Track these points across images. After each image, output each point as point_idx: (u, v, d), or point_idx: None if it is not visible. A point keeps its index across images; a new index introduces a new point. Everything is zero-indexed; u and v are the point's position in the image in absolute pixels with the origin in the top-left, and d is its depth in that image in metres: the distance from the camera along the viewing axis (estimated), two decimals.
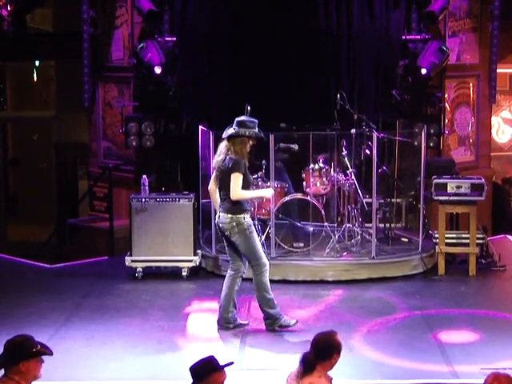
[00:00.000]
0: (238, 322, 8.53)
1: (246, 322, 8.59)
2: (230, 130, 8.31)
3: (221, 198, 8.39)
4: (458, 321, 8.73)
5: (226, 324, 8.48)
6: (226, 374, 4.75)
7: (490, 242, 11.12)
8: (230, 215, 8.26)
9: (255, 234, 8.44)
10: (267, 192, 9.05)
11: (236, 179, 8.18)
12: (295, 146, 10.58)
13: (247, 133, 8.27)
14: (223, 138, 8.38)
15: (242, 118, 8.47)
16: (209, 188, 8.62)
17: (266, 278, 8.39)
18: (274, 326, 8.41)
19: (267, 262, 8.43)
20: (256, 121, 8.44)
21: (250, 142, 8.36)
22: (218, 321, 8.53)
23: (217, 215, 8.46)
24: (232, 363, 4.88)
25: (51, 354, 4.78)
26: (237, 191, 8.18)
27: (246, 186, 8.29)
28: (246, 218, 8.29)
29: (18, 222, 16.17)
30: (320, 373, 5.25)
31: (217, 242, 10.62)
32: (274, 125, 10.97)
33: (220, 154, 8.36)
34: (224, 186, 8.32)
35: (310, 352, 5.32)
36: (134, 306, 9.36)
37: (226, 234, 8.36)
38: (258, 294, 8.43)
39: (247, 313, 9.09)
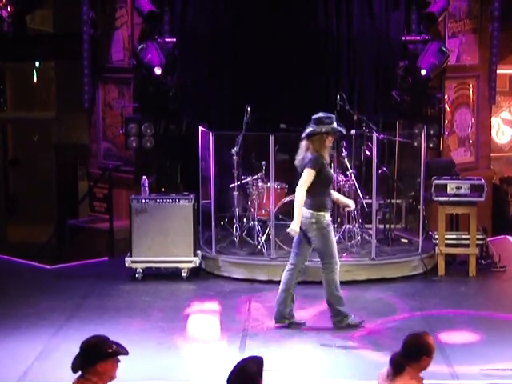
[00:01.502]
0: (295, 321, 8.54)
1: (303, 322, 8.59)
2: (308, 129, 8.36)
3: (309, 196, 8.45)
4: (458, 321, 8.73)
5: (282, 319, 8.52)
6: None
7: (490, 243, 11.12)
8: (310, 211, 8.32)
9: (332, 233, 8.47)
10: (294, 226, 8.37)
11: (306, 174, 8.25)
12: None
13: (323, 129, 8.31)
14: (302, 138, 8.44)
15: (320, 114, 8.49)
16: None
17: (337, 276, 8.47)
18: (342, 323, 8.47)
19: (338, 262, 8.50)
20: (333, 116, 8.50)
21: (330, 138, 8.40)
22: (274, 316, 8.55)
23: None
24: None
25: (127, 353, 4.73)
26: (302, 189, 8.24)
27: (326, 182, 8.35)
28: (326, 216, 8.33)
29: (18, 222, 16.17)
30: (411, 374, 5.07)
31: (217, 242, 10.64)
32: (273, 126, 10.99)
33: (300, 153, 8.46)
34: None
35: (399, 353, 5.18)
36: (134, 306, 9.36)
37: (304, 228, 8.43)
38: (328, 293, 8.47)
39: (247, 313, 9.11)
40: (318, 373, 7.42)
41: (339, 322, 8.49)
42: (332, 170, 8.65)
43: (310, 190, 8.31)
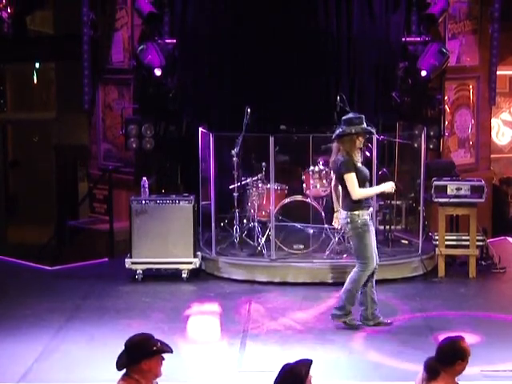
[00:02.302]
0: (380, 320, 8.57)
1: (390, 322, 8.61)
2: (338, 130, 8.42)
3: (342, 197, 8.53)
4: (458, 323, 8.73)
5: (366, 321, 8.55)
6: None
7: (490, 244, 11.11)
8: (345, 212, 8.38)
9: (369, 234, 8.42)
10: (387, 186, 8.67)
11: (350, 180, 8.28)
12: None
13: (353, 130, 8.33)
14: (333, 139, 8.51)
15: (349, 115, 8.57)
16: (332, 185, 8.84)
17: (365, 277, 8.44)
18: (340, 319, 8.50)
19: (374, 264, 8.46)
20: (362, 116, 8.51)
21: (360, 138, 8.42)
22: (359, 319, 8.58)
23: None
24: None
25: (171, 351, 4.80)
26: (356, 192, 8.27)
27: (362, 182, 8.36)
28: (362, 216, 8.31)
29: (18, 223, 16.17)
30: (445, 380, 5.07)
31: (217, 243, 10.63)
32: (274, 127, 11.00)
33: (332, 155, 8.54)
34: (342, 186, 8.48)
35: (433, 357, 5.15)
36: (134, 307, 9.36)
37: (344, 230, 8.51)
38: (348, 285, 8.47)
39: (247, 314, 9.10)
40: (319, 374, 7.39)
41: (338, 317, 8.50)
42: (365, 168, 8.65)
43: (345, 191, 8.38)
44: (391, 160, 11.54)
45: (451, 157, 12.57)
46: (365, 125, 8.45)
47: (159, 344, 4.74)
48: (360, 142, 8.44)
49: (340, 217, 8.55)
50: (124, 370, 4.74)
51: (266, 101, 11.43)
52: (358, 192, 8.28)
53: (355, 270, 8.49)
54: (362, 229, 8.34)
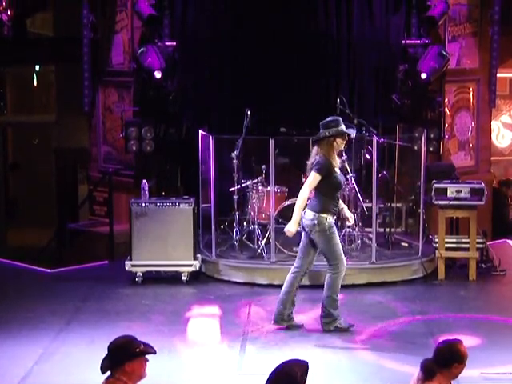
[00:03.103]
0: (294, 323, 8.61)
1: (301, 324, 8.65)
2: (317, 134, 8.43)
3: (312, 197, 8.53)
4: (458, 325, 8.73)
5: (281, 321, 8.57)
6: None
7: (490, 247, 11.11)
8: (313, 213, 8.35)
9: (336, 235, 8.47)
10: (290, 227, 8.49)
11: (311, 177, 8.29)
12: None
13: (327, 133, 8.33)
14: (313, 144, 8.55)
15: (327, 119, 8.54)
16: None
17: (340, 279, 8.51)
18: (331, 326, 8.50)
19: (345, 264, 8.53)
20: (339, 118, 8.52)
21: (337, 141, 8.39)
22: (273, 317, 8.61)
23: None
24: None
25: (155, 352, 4.76)
26: (306, 192, 8.30)
27: (333, 186, 8.36)
28: (329, 219, 8.34)
29: (18, 226, 16.16)
30: (440, 381, 5.07)
31: (217, 246, 10.63)
32: (274, 129, 10.99)
33: (311, 158, 8.52)
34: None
35: (430, 359, 5.15)
36: (134, 310, 9.36)
37: (307, 230, 8.46)
38: (326, 293, 8.50)
39: (247, 317, 9.10)
40: (320, 377, 7.40)
41: (328, 324, 8.51)
42: (342, 175, 8.65)
43: (316, 192, 8.36)
44: (391, 162, 11.56)
45: (451, 159, 12.57)
46: (343, 127, 8.40)
47: (142, 346, 4.73)
48: (338, 144, 8.41)
49: (304, 216, 8.42)
50: (108, 373, 4.74)
51: (266, 103, 11.45)
52: (306, 193, 8.28)
53: (328, 274, 8.51)
54: (329, 231, 8.37)
